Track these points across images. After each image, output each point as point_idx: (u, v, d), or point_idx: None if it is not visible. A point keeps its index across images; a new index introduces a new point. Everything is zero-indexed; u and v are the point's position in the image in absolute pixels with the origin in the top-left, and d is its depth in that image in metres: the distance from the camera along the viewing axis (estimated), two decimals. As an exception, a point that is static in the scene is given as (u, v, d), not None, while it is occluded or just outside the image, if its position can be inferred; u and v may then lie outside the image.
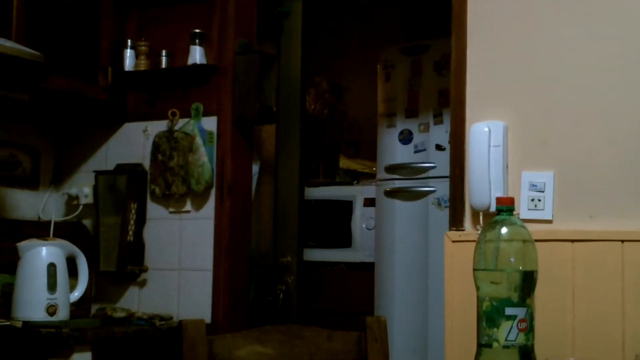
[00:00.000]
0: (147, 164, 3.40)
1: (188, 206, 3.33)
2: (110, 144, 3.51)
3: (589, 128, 2.31)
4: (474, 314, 1.69)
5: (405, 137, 4.29)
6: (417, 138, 4.25)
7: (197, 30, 3.30)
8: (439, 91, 4.17)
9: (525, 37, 2.41)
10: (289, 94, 4.19)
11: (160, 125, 3.37)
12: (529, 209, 2.33)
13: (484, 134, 2.38)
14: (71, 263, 3.07)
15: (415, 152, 4.25)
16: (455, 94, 2.51)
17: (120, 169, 3.42)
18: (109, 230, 3.36)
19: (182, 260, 3.33)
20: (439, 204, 4.09)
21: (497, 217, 1.72)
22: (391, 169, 4.33)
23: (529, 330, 1.66)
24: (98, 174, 3.43)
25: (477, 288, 1.69)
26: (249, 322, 3.37)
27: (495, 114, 2.42)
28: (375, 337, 1.91)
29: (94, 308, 3.40)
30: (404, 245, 4.21)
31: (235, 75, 3.30)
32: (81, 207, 3.47)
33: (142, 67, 3.41)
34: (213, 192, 3.28)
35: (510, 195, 2.32)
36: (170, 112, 3.34)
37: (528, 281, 1.66)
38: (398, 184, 4.29)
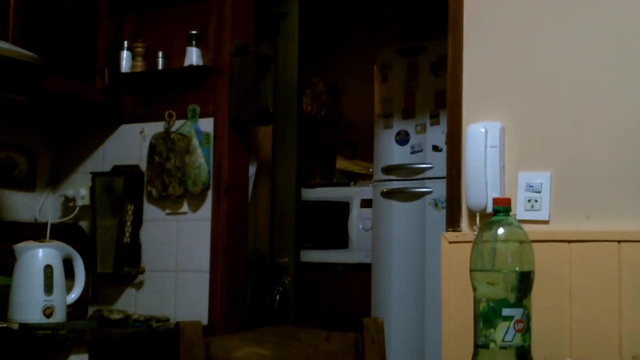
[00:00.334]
0: (143, 166, 3.40)
1: (185, 207, 3.33)
2: (107, 146, 3.50)
3: (586, 129, 2.31)
4: (471, 314, 1.69)
5: (402, 138, 4.29)
6: (414, 139, 4.26)
7: (194, 32, 3.30)
8: (435, 92, 4.17)
9: (522, 37, 2.41)
10: (285, 95, 4.19)
11: (157, 127, 3.37)
12: (525, 210, 2.34)
13: (480, 135, 2.38)
14: (68, 265, 3.06)
15: (412, 153, 4.26)
16: (452, 94, 2.51)
17: (117, 170, 3.42)
18: (105, 232, 3.36)
19: (179, 262, 3.33)
20: (436, 205, 4.09)
21: (494, 218, 1.71)
22: (388, 170, 4.33)
23: (526, 330, 1.65)
24: (95, 175, 3.43)
25: (474, 289, 1.69)
26: (246, 323, 3.37)
27: (491, 115, 2.42)
28: (373, 338, 1.91)
29: (90, 310, 3.39)
30: (401, 246, 4.21)
31: (232, 76, 3.30)
32: (78, 208, 3.47)
33: (138, 69, 3.41)
34: (210, 193, 3.28)
35: (507, 195, 2.31)
36: (167, 113, 3.34)
37: (525, 282, 1.66)
38: (395, 184, 4.29)
